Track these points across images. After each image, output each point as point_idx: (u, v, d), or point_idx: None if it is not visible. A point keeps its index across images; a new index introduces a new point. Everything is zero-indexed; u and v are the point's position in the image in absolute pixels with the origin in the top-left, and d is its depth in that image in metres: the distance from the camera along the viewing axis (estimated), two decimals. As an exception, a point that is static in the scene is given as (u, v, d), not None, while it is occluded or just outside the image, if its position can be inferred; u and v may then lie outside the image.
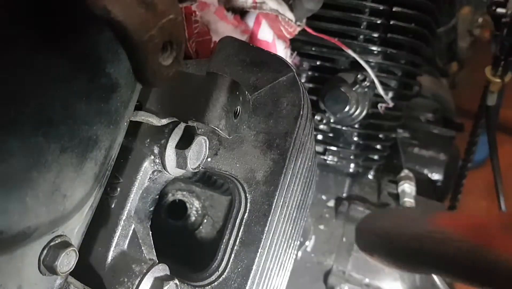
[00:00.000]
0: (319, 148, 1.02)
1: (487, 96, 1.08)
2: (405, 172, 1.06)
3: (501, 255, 0.28)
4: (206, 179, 0.59)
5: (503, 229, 0.29)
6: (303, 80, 0.94)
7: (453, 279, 0.32)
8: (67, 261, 0.36)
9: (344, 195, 1.06)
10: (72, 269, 0.37)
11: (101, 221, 0.45)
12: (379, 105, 0.97)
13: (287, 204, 0.51)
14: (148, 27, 0.32)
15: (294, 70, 0.49)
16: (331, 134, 1.01)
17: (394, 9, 0.92)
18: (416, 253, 0.32)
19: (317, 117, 0.97)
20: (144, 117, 0.44)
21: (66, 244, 0.36)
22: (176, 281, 0.46)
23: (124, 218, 0.45)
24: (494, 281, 0.29)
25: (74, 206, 0.37)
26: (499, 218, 0.30)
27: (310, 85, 0.96)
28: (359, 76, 0.91)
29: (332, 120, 0.98)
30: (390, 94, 0.97)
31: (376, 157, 1.07)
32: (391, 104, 0.95)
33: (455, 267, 0.30)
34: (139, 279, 0.43)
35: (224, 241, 0.48)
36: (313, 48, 0.95)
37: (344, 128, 1.00)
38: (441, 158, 1.28)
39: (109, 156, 0.39)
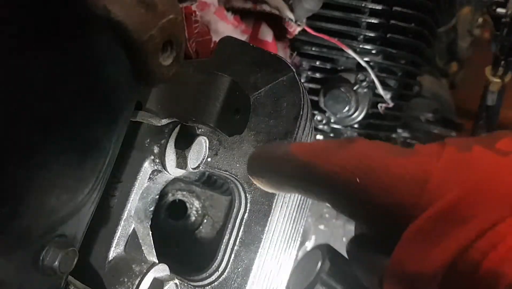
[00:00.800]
0: (319, 148, 1.02)
1: (487, 96, 1.08)
2: (405, 172, 1.06)
3: (330, 169, 0.31)
4: (206, 179, 0.59)
5: (337, 148, 0.32)
6: (303, 80, 0.94)
7: (302, 195, 0.39)
8: (67, 261, 0.36)
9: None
10: (72, 269, 0.37)
11: (101, 221, 0.45)
12: (379, 105, 0.97)
13: (287, 204, 0.51)
14: (148, 27, 0.32)
15: (294, 70, 0.49)
16: (331, 135, 1.01)
17: (394, 9, 0.92)
18: (269, 171, 0.37)
19: (317, 117, 0.97)
20: (144, 117, 0.44)
21: (66, 244, 0.36)
22: (176, 281, 0.46)
23: (124, 218, 0.45)
24: (326, 195, 0.33)
25: (74, 206, 0.37)
26: (340, 140, 0.34)
27: (310, 85, 0.96)
28: (359, 76, 0.91)
29: (332, 120, 0.98)
30: (390, 94, 0.97)
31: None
32: (391, 104, 0.95)
33: (297, 183, 0.35)
34: (139, 279, 0.43)
35: (224, 241, 0.48)
36: (313, 48, 0.95)
37: (344, 128, 0.99)
38: (441, 158, 1.28)
39: (109, 156, 0.39)
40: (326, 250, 0.37)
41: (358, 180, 0.30)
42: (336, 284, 0.36)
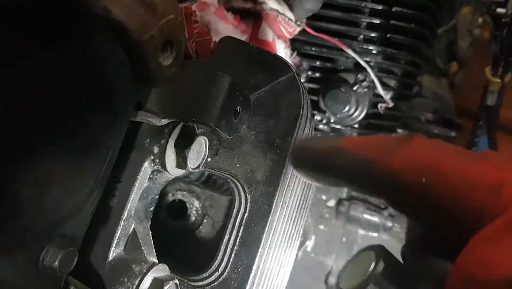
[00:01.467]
0: (319, 148, 1.02)
1: (487, 96, 1.08)
2: (405, 172, 1.06)
3: (391, 168, 0.31)
4: (206, 179, 0.59)
5: (397, 145, 0.31)
6: (303, 80, 0.94)
7: (354, 190, 0.36)
8: (67, 261, 0.36)
9: (344, 195, 1.06)
10: (72, 269, 0.37)
11: (101, 221, 0.45)
12: (379, 105, 0.97)
13: (287, 204, 0.51)
14: (148, 27, 0.32)
15: (294, 70, 0.49)
16: (331, 135, 1.01)
17: (394, 9, 0.92)
18: (319, 165, 0.36)
19: (317, 117, 0.97)
20: (144, 117, 0.44)
21: (66, 244, 0.36)
22: (176, 281, 0.46)
23: (124, 218, 0.45)
24: (384, 192, 0.32)
25: (74, 206, 0.37)
26: (398, 137, 0.33)
27: (310, 85, 0.97)
28: (359, 76, 0.91)
29: (332, 120, 0.98)
30: (390, 94, 0.97)
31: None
32: (391, 104, 0.95)
33: (350, 179, 0.34)
34: (139, 279, 0.43)
35: (224, 241, 0.48)
36: (313, 48, 0.95)
37: (344, 128, 1.00)
38: (441, 158, 1.28)
39: (109, 156, 0.39)
40: (380, 251, 0.36)
41: (424, 180, 0.29)
42: (390, 285, 0.35)
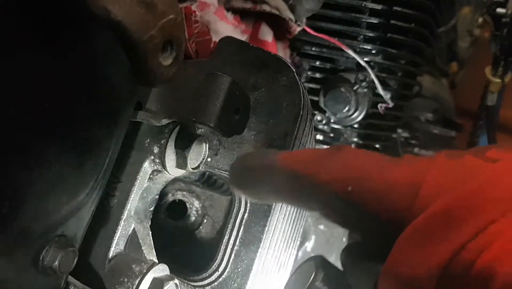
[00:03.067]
0: (319, 148, 1.02)
1: (487, 96, 1.08)
2: (405, 172, 1.05)
3: (319, 180, 0.32)
4: (206, 179, 0.59)
5: (325, 158, 0.33)
6: (303, 80, 0.94)
7: (291, 204, 0.39)
8: (67, 261, 0.36)
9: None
10: (72, 269, 0.37)
11: (101, 221, 0.45)
12: (379, 105, 0.97)
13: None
14: (148, 27, 0.32)
15: (294, 70, 0.49)
16: (331, 134, 1.01)
17: (394, 9, 0.92)
18: (255, 183, 0.37)
19: (317, 117, 0.97)
20: (144, 117, 0.44)
21: (66, 244, 0.36)
22: (176, 281, 0.46)
23: (124, 218, 0.45)
24: (316, 205, 0.33)
25: (74, 206, 0.37)
26: (326, 149, 0.34)
27: (310, 85, 0.96)
28: (359, 76, 0.91)
29: (332, 120, 0.98)
30: (390, 94, 0.97)
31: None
32: (391, 104, 0.95)
33: (284, 194, 0.35)
34: (139, 279, 0.43)
35: (224, 241, 0.48)
36: (313, 48, 0.95)
37: (344, 128, 0.99)
38: (441, 158, 1.28)
39: (109, 156, 0.39)
40: (319, 261, 0.37)
41: (350, 188, 0.31)
42: None
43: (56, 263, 0.35)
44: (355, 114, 0.95)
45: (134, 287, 0.42)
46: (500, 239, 0.25)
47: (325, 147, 1.02)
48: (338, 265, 0.37)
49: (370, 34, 0.93)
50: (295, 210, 0.56)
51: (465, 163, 0.29)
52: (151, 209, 0.49)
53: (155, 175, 0.47)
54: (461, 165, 0.29)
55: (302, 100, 0.48)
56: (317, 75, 0.97)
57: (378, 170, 0.31)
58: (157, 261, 0.45)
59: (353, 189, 0.30)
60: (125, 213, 0.45)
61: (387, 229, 0.29)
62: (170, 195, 0.61)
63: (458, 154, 0.30)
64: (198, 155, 0.48)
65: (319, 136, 1.02)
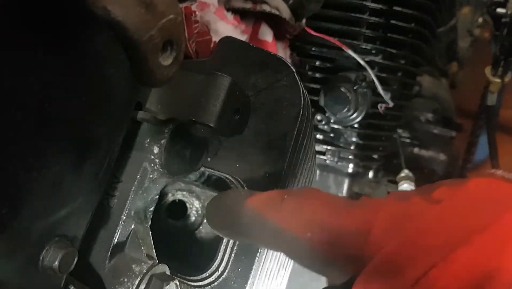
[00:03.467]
0: (319, 148, 1.02)
1: (487, 96, 1.08)
2: (405, 172, 1.06)
3: (280, 225, 0.33)
4: (206, 179, 0.59)
5: (283, 203, 0.34)
6: (303, 80, 0.94)
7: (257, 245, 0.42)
8: (67, 261, 0.36)
9: (344, 195, 1.06)
10: (72, 269, 0.37)
11: (101, 221, 0.45)
12: (379, 105, 0.97)
13: (287, 204, 0.51)
14: (148, 27, 0.32)
15: (294, 70, 0.49)
16: (331, 134, 1.01)
17: (394, 8, 0.92)
18: (226, 224, 0.39)
19: (317, 117, 0.97)
20: (144, 117, 0.44)
21: (66, 244, 0.36)
22: (176, 281, 0.46)
23: (124, 218, 0.45)
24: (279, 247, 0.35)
25: (74, 206, 0.37)
26: (282, 193, 0.36)
27: (310, 85, 0.97)
28: (359, 76, 0.91)
29: (332, 120, 0.98)
30: (390, 94, 0.97)
31: (376, 157, 1.07)
32: (391, 104, 0.95)
33: (251, 236, 0.37)
34: (139, 279, 0.43)
35: (224, 241, 0.48)
36: (313, 48, 0.95)
37: (344, 128, 0.99)
38: (441, 158, 1.28)
39: (108, 156, 0.39)
40: None
41: (309, 234, 0.32)
42: None
43: (56, 263, 0.35)
44: (355, 114, 0.95)
45: (134, 287, 0.42)
46: (439, 283, 0.26)
47: (325, 146, 1.02)
48: None
49: (370, 34, 0.93)
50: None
51: (410, 207, 0.30)
52: (151, 209, 0.49)
53: (155, 175, 0.47)
54: (407, 209, 0.30)
55: (302, 100, 0.48)
56: (317, 75, 0.97)
57: (332, 216, 0.32)
58: (157, 261, 0.45)
59: (312, 235, 0.32)
60: (125, 213, 0.45)
61: (347, 273, 0.31)
62: (170, 195, 0.61)
63: (406, 195, 0.31)
64: (198, 155, 0.48)
65: (319, 136, 1.02)
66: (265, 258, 0.49)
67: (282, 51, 0.84)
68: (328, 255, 0.31)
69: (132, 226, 0.46)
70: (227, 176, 0.49)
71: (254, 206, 0.36)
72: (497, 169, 0.31)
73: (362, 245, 0.30)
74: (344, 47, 0.88)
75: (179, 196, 0.61)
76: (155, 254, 0.47)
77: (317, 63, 0.96)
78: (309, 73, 0.97)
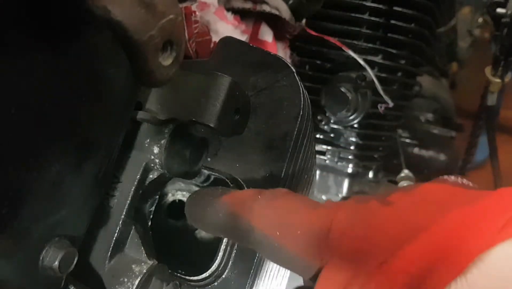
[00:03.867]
0: (319, 148, 1.02)
1: (487, 96, 1.08)
2: (405, 172, 1.06)
3: (251, 223, 0.35)
4: (206, 179, 0.59)
5: (255, 202, 0.36)
6: (303, 80, 0.94)
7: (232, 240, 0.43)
8: (67, 261, 0.36)
9: (344, 195, 1.06)
10: (72, 269, 0.37)
11: (101, 221, 0.45)
12: (379, 105, 0.97)
13: (287, 204, 0.51)
14: (148, 27, 0.32)
15: (294, 70, 0.49)
16: (331, 134, 1.01)
17: (394, 8, 0.92)
18: (201, 220, 0.41)
19: (317, 117, 0.97)
20: (144, 117, 0.44)
21: (66, 244, 0.36)
22: (176, 281, 0.46)
23: (124, 218, 0.45)
24: (250, 244, 0.36)
25: (74, 206, 0.37)
26: (256, 192, 0.37)
27: (310, 85, 0.97)
28: (359, 76, 0.91)
29: (332, 120, 0.98)
30: (390, 94, 0.97)
31: (376, 157, 1.07)
32: (391, 104, 0.95)
33: (226, 234, 0.40)
34: (139, 279, 0.43)
35: (224, 241, 0.48)
36: (313, 48, 0.95)
37: (344, 128, 1.00)
38: (441, 158, 1.28)
39: (109, 156, 0.39)
40: None
41: (278, 233, 0.34)
42: None
43: (56, 263, 0.35)
44: (355, 114, 0.95)
45: (134, 287, 0.42)
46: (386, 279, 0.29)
47: (325, 146, 1.02)
48: None
49: (370, 34, 0.93)
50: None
51: (366, 207, 0.32)
52: (151, 209, 0.49)
53: (155, 175, 0.47)
54: (362, 209, 0.33)
55: (302, 100, 0.48)
56: (317, 75, 0.97)
57: (299, 215, 0.35)
58: (157, 261, 0.45)
59: (280, 234, 0.34)
60: (125, 213, 0.45)
61: (313, 273, 0.33)
62: (170, 195, 0.61)
63: (365, 199, 0.34)
64: (198, 155, 0.48)
65: (319, 136, 1.02)
66: (265, 258, 0.49)
67: (282, 51, 0.84)
68: (296, 252, 0.33)
69: (132, 226, 0.46)
70: (227, 176, 0.49)
71: (228, 203, 0.38)
72: (457, 176, 0.35)
73: (324, 242, 0.32)
74: (344, 47, 0.88)
75: (179, 196, 0.61)
76: (155, 254, 0.47)
77: (317, 63, 0.96)
78: (309, 73, 0.97)
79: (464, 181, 0.33)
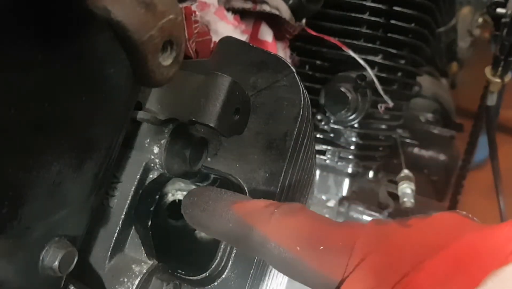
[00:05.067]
0: (319, 148, 1.02)
1: (487, 96, 1.08)
2: (405, 172, 1.06)
3: (267, 236, 0.36)
4: (205, 179, 0.59)
5: (273, 216, 0.37)
6: (303, 80, 0.94)
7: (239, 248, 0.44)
8: (67, 261, 0.36)
9: (344, 195, 1.06)
10: (72, 269, 0.37)
11: (101, 221, 0.45)
12: (379, 105, 0.97)
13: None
14: (148, 27, 0.32)
15: (294, 70, 0.49)
16: (331, 134, 1.01)
17: (394, 8, 0.92)
18: (204, 221, 0.40)
19: (317, 117, 0.97)
20: (144, 117, 0.44)
21: (66, 244, 0.36)
22: (176, 281, 0.46)
23: (124, 218, 0.45)
24: (261, 255, 0.38)
25: (74, 206, 0.37)
26: (271, 204, 0.38)
27: (310, 85, 0.97)
28: (359, 75, 0.91)
29: (332, 120, 0.98)
30: (390, 94, 0.97)
31: (376, 157, 1.07)
32: (391, 104, 0.95)
33: (233, 242, 0.40)
34: (139, 279, 0.43)
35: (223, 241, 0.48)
36: (313, 48, 0.95)
37: (344, 128, 1.00)
38: (441, 158, 1.28)
39: (108, 156, 0.39)
40: None
41: (298, 248, 0.35)
42: None
43: (56, 263, 0.35)
44: (355, 114, 0.95)
45: (134, 287, 0.42)
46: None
47: (325, 146, 1.02)
48: None
49: (370, 34, 0.93)
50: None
51: (387, 227, 0.36)
52: (151, 209, 0.49)
53: (154, 175, 0.47)
54: (384, 229, 0.36)
55: (302, 100, 0.48)
56: (317, 75, 0.97)
57: (321, 232, 0.36)
58: (157, 261, 0.45)
59: (301, 248, 0.35)
60: (125, 213, 0.45)
61: (328, 285, 0.35)
62: (170, 195, 0.61)
63: (384, 221, 0.37)
64: (198, 155, 0.48)
65: (319, 136, 1.02)
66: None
67: (282, 51, 0.84)
68: (317, 267, 0.35)
69: (132, 226, 0.46)
70: (227, 176, 0.49)
71: (240, 214, 0.38)
72: (460, 211, 0.37)
73: (347, 257, 0.34)
74: (344, 47, 0.88)
75: (179, 196, 0.61)
76: (155, 254, 0.47)
77: (317, 62, 0.96)
78: (309, 73, 0.97)
79: (475, 218, 0.36)
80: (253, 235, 0.37)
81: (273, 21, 0.78)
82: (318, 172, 1.04)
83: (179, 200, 0.62)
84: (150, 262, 0.44)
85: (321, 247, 0.35)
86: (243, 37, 0.74)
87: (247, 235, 0.37)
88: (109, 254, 0.44)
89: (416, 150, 1.26)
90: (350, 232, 0.36)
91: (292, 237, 0.36)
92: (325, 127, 0.99)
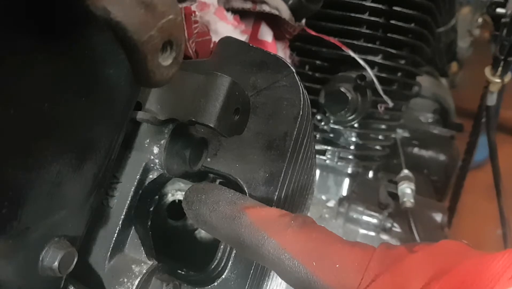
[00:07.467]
0: (319, 148, 1.02)
1: (487, 96, 1.09)
2: (404, 172, 1.06)
3: (282, 247, 0.37)
4: (205, 179, 0.59)
5: (290, 228, 0.38)
6: (303, 80, 0.94)
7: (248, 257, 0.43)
8: (67, 261, 0.36)
9: (344, 195, 1.06)
10: (72, 269, 0.37)
11: (101, 221, 0.45)
12: (379, 105, 0.97)
13: (287, 204, 0.51)
14: (147, 28, 0.32)
15: (294, 70, 0.49)
16: (331, 134, 1.01)
17: (394, 8, 0.92)
18: (211, 221, 0.40)
19: (317, 117, 0.97)
20: (144, 117, 0.44)
21: (66, 244, 0.36)
22: (176, 281, 0.46)
23: (124, 218, 0.45)
24: (270, 264, 0.38)
25: (73, 206, 0.37)
26: (285, 215, 0.39)
27: (310, 85, 0.97)
28: (359, 76, 0.91)
29: (332, 120, 0.98)
30: (390, 94, 0.97)
31: (375, 157, 1.07)
32: (391, 104, 0.95)
33: (243, 247, 0.40)
34: (138, 279, 0.43)
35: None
36: (313, 48, 0.95)
37: (344, 128, 1.00)
38: (441, 158, 1.28)
39: (108, 156, 0.39)
40: None
41: (314, 263, 0.37)
42: None
43: (56, 263, 0.35)
44: (355, 114, 0.95)
45: (134, 287, 0.42)
46: None
47: (325, 146, 1.02)
48: None
49: (370, 34, 0.93)
50: (295, 210, 0.56)
51: (397, 251, 0.38)
52: (151, 209, 0.49)
53: (154, 175, 0.47)
54: (395, 253, 0.38)
55: (302, 100, 0.48)
56: (317, 75, 0.97)
57: (339, 250, 0.38)
58: (157, 261, 0.45)
59: (317, 264, 0.37)
60: (125, 213, 0.45)
61: None
62: (170, 195, 0.61)
63: (394, 246, 0.39)
64: (198, 155, 0.48)
65: (319, 136, 1.02)
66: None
67: (282, 51, 0.84)
68: (331, 283, 0.36)
69: (132, 226, 0.46)
70: (227, 176, 0.49)
71: (254, 219, 0.39)
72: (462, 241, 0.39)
73: (361, 276, 0.36)
74: (344, 47, 0.88)
75: (179, 196, 0.61)
76: (155, 254, 0.47)
77: (317, 63, 0.96)
78: (309, 73, 0.97)
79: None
80: (267, 244, 0.37)
81: (273, 21, 0.78)
82: (318, 172, 1.05)
83: (179, 200, 0.62)
84: (150, 262, 0.44)
85: (337, 265, 0.37)
86: (243, 37, 0.74)
87: (260, 243, 0.38)
88: (109, 254, 0.44)
89: (416, 150, 1.27)
90: (364, 253, 0.38)
91: (309, 251, 0.37)
92: (325, 127, 0.99)
